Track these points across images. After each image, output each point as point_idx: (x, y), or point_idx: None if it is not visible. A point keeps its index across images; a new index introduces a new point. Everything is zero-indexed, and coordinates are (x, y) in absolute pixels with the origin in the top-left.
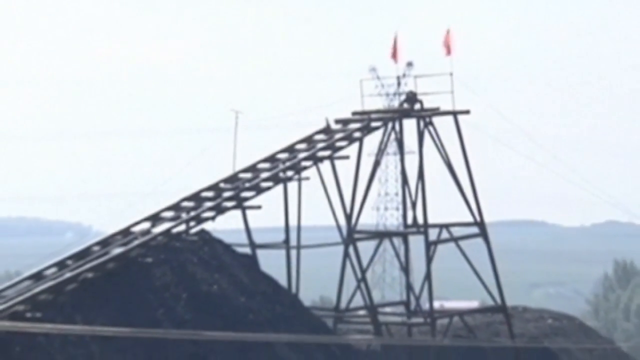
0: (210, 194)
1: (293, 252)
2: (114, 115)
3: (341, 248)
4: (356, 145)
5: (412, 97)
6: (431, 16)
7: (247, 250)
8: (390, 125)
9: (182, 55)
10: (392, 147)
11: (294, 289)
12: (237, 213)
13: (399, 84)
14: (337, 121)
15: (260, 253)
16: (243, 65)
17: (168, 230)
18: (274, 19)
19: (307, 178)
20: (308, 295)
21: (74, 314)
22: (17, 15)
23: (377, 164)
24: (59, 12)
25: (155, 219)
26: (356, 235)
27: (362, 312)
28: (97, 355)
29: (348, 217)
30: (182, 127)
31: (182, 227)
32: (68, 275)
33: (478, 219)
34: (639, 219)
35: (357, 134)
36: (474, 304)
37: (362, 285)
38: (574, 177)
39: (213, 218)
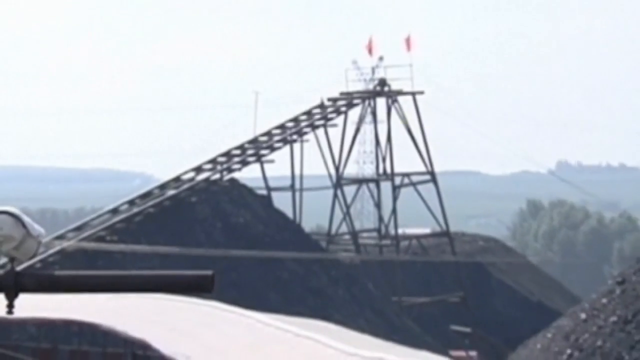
0: (237, 151)
1: (297, 194)
2: (170, 94)
3: (331, 190)
4: (342, 116)
5: (383, 82)
6: (397, 21)
7: (264, 192)
8: (367, 102)
9: (217, 50)
10: (369, 118)
11: (297, 220)
12: (257, 166)
13: (373, 72)
14: (329, 99)
15: (273, 194)
16: (261, 57)
17: (207, 178)
18: (283, 26)
19: (307, 140)
20: (308, 224)
21: (141, 238)
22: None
23: (357, 130)
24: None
25: (198, 169)
26: (342, 181)
27: (346, 237)
28: (157, 267)
29: (337, 169)
30: (218, 103)
31: (218, 176)
32: (136, 210)
33: (430, 169)
34: (545, 169)
35: (343, 109)
36: (426, 230)
37: (347, 217)
38: (499, 138)
39: (240, 169)
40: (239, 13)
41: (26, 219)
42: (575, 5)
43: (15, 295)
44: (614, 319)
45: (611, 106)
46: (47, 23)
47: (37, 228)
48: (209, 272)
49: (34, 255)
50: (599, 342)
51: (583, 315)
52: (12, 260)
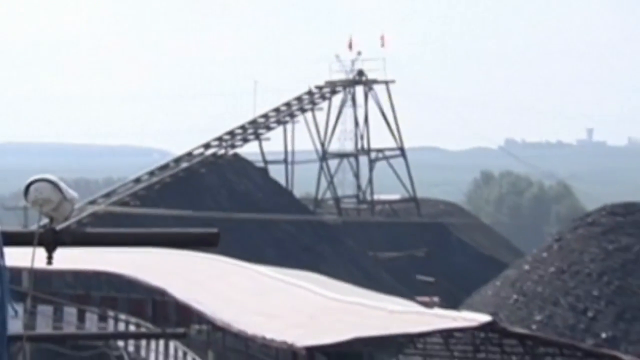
0: (240, 130)
1: (289, 166)
2: (184, 83)
3: (318, 163)
4: (327, 102)
5: (360, 73)
6: (373, 22)
7: (262, 165)
8: (347, 89)
9: (222, 47)
10: (349, 102)
11: (290, 188)
12: (256, 142)
13: (352, 64)
14: (316, 87)
15: (269, 167)
16: (259, 53)
17: (215, 153)
18: (277, 27)
19: (298, 121)
20: (299, 191)
21: (159, 203)
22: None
23: (340, 113)
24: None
25: (207, 145)
26: (327, 156)
27: (330, 202)
28: (172, 227)
29: (322, 145)
30: (223, 90)
31: (223, 151)
32: (155, 179)
33: (400, 145)
34: (495, 145)
35: (328, 95)
36: (397, 196)
37: (331, 185)
38: (458, 119)
39: (241, 145)
40: (240, 18)
41: (62, 185)
42: (522, 5)
43: (54, 249)
44: (552, 269)
45: (550, 92)
46: (86, 25)
47: (71, 193)
48: (214, 230)
49: (69, 216)
50: (540, 289)
51: (526, 267)
52: (51, 220)
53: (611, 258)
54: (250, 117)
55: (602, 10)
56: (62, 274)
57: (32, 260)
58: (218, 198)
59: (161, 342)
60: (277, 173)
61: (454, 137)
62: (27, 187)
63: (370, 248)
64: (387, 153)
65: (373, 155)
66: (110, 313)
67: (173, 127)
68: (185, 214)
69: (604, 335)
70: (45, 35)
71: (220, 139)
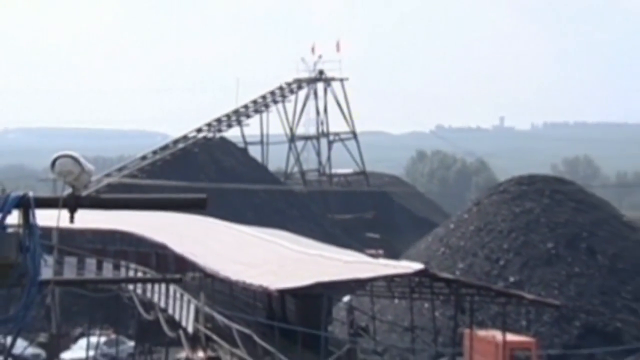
0: (225, 118)
1: (265, 146)
2: (182, 78)
3: (287, 144)
4: (294, 95)
5: (321, 72)
6: (331, 32)
7: (242, 145)
8: (311, 85)
9: (212, 50)
10: (312, 96)
11: (265, 164)
12: (238, 127)
13: (315, 65)
14: (286, 83)
15: (249, 147)
16: (241, 55)
17: (205, 136)
18: (255, 35)
19: (272, 111)
20: (272, 166)
21: (161, 175)
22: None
23: (304, 104)
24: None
25: (199, 130)
26: (295, 138)
27: (297, 175)
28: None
29: (290, 129)
30: (212, 85)
31: (212, 134)
32: (158, 157)
33: (352, 130)
34: (428, 129)
35: (295, 90)
36: (350, 170)
37: (298, 162)
38: (398, 109)
39: (226, 130)
40: (227, 27)
41: (82, 159)
42: (446, 17)
43: (75, 210)
44: (472, 228)
45: (472, 87)
46: (102, 31)
47: (89, 166)
48: (203, 195)
49: (88, 184)
50: (462, 243)
51: (452, 226)
52: (73, 188)
53: (518, 219)
54: (233, 107)
55: (509, 20)
56: (83, 232)
57: (58, 219)
58: (208, 172)
59: (162, 286)
60: (255, 152)
61: (395, 123)
62: (54, 161)
63: (328, 211)
64: (342, 136)
65: (331, 137)
66: (122, 263)
67: (172, 115)
68: (181, 185)
69: (512, 279)
70: (68, 39)
71: (209, 124)
